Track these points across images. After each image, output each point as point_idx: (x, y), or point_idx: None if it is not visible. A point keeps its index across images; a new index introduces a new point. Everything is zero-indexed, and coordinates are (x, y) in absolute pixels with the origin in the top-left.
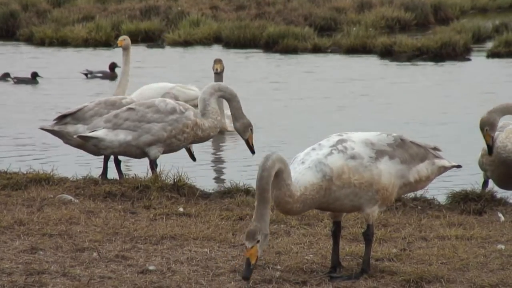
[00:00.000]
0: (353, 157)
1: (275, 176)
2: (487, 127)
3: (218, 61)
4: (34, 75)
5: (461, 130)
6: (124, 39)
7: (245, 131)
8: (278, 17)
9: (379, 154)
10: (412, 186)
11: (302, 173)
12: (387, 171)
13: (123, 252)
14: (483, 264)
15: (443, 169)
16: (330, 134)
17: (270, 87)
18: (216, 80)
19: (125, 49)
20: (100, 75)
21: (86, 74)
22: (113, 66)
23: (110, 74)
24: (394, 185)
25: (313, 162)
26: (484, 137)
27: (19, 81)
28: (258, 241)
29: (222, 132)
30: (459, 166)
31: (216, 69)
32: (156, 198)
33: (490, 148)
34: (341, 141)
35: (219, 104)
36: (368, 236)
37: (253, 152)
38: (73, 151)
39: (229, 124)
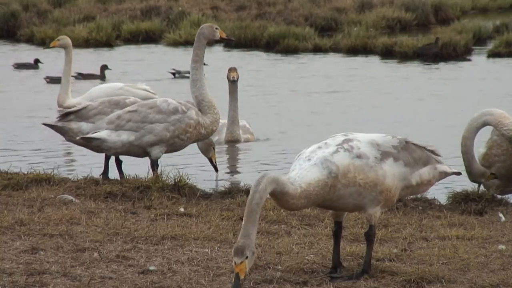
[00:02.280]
0: (359, 156)
1: (271, 193)
2: (482, 178)
3: (233, 70)
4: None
5: (461, 130)
6: (59, 39)
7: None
8: (278, 17)
9: (384, 155)
10: (413, 189)
11: (307, 169)
12: (391, 173)
13: (124, 252)
14: (484, 264)
15: (444, 174)
16: (331, 133)
17: (271, 87)
18: (230, 89)
19: (65, 48)
20: (188, 75)
21: (173, 74)
22: None
23: None
24: (396, 187)
25: (319, 159)
26: (486, 179)
27: (52, 80)
28: (247, 257)
29: (235, 142)
30: (458, 173)
31: (233, 77)
32: (157, 198)
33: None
34: (347, 141)
35: (234, 115)
36: (370, 237)
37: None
38: (73, 152)
39: (242, 135)
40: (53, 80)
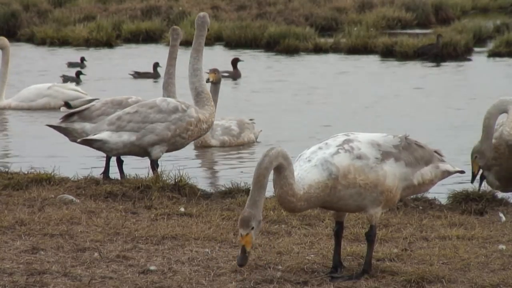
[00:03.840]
0: (359, 157)
1: (277, 174)
2: (477, 155)
3: (212, 71)
4: (78, 73)
5: (461, 130)
6: None
7: None
8: (279, 17)
9: (385, 155)
10: (415, 188)
11: (308, 171)
12: (392, 173)
13: (124, 252)
14: (484, 264)
15: (447, 173)
16: (331, 133)
17: (271, 87)
18: (212, 90)
19: (2, 49)
20: (226, 74)
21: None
22: (236, 61)
23: (234, 72)
24: (398, 187)
25: (320, 161)
26: (472, 164)
27: (66, 79)
28: (252, 228)
29: (206, 147)
30: (462, 172)
31: (207, 79)
32: (157, 198)
33: (473, 177)
34: (347, 141)
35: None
36: (370, 237)
37: None
38: (73, 151)
39: (220, 137)
40: (67, 79)
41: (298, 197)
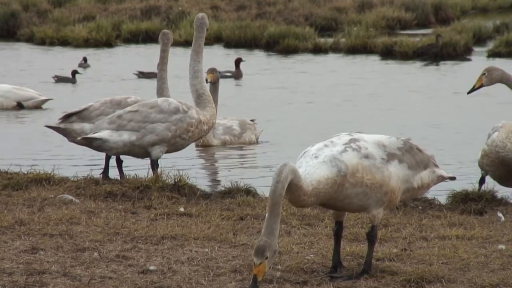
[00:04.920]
0: (366, 156)
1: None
2: (486, 72)
3: (210, 71)
4: (74, 73)
5: (462, 130)
6: None
7: None
8: (278, 17)
9: (390, 156)
10: (414, 191)
11: (316, 167)
12: (396, 174)
13: (124, 252)
14: (484, 264)
15: (441, 178)
16: (332, 132)
17: (271, 87)
18: (211, 90)
19: None
20: (229, 74)
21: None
22: (238, 61)
23: (236, 71)
24: (400, 188)
25: (328, 157)
26: (478, 78)
27: (59, 79)
28: (266, 258)
29: (207, 146)
30: (453, 178)
31: (206, 79)
32: (157, 198)
33: (471, 89)
34: (354, 140)
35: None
36: (372, 237)
37: None
38: (73, 151)
39: (221, 136)
40: (60, 79)
41: (308, 194)
